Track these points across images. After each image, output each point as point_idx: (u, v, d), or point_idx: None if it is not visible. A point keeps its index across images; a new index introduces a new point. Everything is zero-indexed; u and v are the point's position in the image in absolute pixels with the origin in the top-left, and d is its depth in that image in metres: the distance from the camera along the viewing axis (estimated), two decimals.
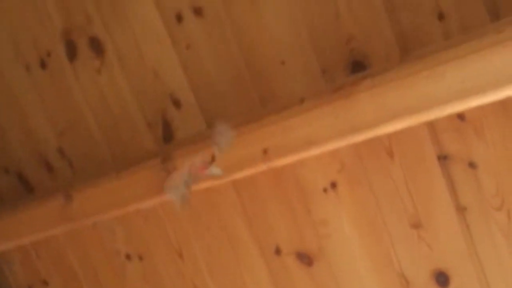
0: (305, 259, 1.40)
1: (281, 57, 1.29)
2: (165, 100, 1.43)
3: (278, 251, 1.41)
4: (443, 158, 1.22)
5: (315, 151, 1.05)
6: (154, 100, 1.44)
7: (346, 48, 1.25)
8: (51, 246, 1.76)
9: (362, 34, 1.23)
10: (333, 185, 1.32)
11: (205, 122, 1.40)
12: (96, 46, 1.46)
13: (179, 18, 1.34)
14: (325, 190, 1.33)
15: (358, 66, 1.26)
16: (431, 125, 1.21)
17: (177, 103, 1.42)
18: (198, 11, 1.32)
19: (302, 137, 1.04)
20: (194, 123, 1.41)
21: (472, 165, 1.21)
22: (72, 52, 1.50)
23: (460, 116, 1.19)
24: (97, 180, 1.35)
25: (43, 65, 1.56)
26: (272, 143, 1.09)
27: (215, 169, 1.13)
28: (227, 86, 1.35)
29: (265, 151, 1.10)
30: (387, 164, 1.26)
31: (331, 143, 1.03)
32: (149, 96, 1.44)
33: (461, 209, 1.23)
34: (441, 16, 1.16)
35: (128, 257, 1.62)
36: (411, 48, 1.22)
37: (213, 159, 1.15)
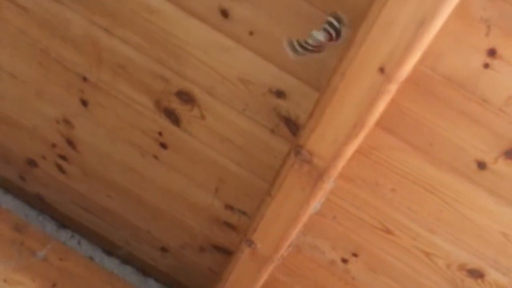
0: None
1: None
2: (269, 100, 1.31)
3: (482, 165, 1.13)
4: None
5: None
6: (259, 109, 1.34)
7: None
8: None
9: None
10: (492, 52, 1.02)
11: (316, 90, 1.24)
12: (185, 98, 1.43)
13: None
14: (486, 65, 1.04)
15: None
16: None
17: (280, 94, 1.29)
18: None
19: None
20: (307, 100, 1.26)
21: None
22: (173, 117, 1.49)
23: None
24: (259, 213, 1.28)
25: (163, 146, 1.58)
26: None
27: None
28: None
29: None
30: None
31: None
32: (254, 109, 1.35)
33: None
34: None
35: (344, 260, 1.49)
36: None
37: None
